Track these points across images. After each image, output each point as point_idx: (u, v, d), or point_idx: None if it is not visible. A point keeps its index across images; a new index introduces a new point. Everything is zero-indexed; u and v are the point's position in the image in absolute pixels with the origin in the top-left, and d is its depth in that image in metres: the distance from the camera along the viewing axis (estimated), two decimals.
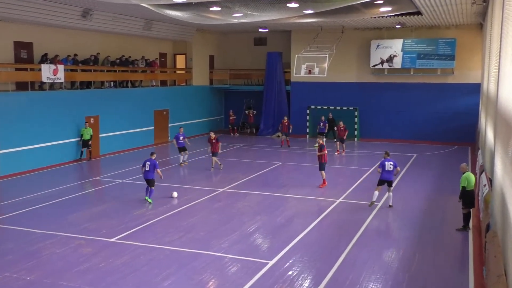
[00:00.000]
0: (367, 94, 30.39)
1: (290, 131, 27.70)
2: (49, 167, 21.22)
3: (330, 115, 28.47)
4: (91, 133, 23.04)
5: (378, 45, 29.39)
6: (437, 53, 28.17)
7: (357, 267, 10.53)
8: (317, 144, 18.86)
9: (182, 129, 22.32)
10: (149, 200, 15.50)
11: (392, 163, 15.01)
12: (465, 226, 12.88)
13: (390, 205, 15.14)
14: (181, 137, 21.48)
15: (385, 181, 15.12)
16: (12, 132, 19.67)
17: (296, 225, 13.44)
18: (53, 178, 19.14)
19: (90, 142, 23.00)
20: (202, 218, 14.14)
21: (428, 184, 18.49)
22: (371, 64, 29.70)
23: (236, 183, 18.46)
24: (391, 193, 15.25)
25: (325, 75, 27.78)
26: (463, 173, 12.80)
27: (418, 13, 23.10)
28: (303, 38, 30.48)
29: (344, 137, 25.08)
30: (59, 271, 10.24)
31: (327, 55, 27.71)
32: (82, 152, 23.01)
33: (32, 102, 20.72)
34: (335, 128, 26.60)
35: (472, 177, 12.73)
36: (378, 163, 16.23)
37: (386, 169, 14.96)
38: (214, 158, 20.59)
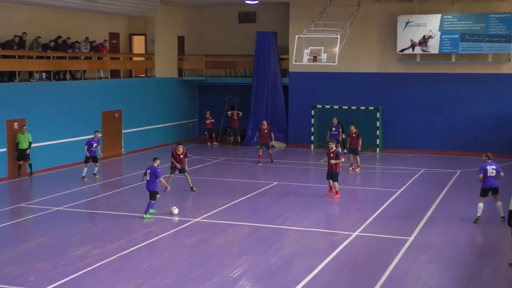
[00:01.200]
0: (392, 89, 30.62)
1: (273, 141, 27.84)
2: None
3: (335, 120, 27.89)
4: (30, 140, 23.39)
5: (407, 22, 29.69)
6: (488, 33, 28.49)
7: None
8: (324, 159, 20.45)
9: (98, 133, 23.75)
10: (146, 216, 17.18)
11: (494, 167, 16.90)
12: None
13: (502, 217, 16.23)
14: (95, 144, 23.07)
15: (489, 189, 16.80)
16: None
17: (298, 268, 13.38)
18: None
19: (28, 152, 23.26)
20: (169, 259, 14.05)
21: (476, 211, 18.51)
22: (398, 49, 29.97)
23: (215, 210, 18.39)
24: (499, 202, 16.54)
25: (335, 63, 27.76)
26: None
27: None
28: (306, 12, 30.57)
29: (358, 148, 25.18)
30: None
31: (339, 36, 27.79)
32: (19, 166, 23.44)
33: None
34: (343, 136, 26.72)
35: None
36: (479, 168, 17.39)
37: (489, 174, 16.73)
38: (187, 175, 20.84)
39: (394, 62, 30.60)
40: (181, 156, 20.72)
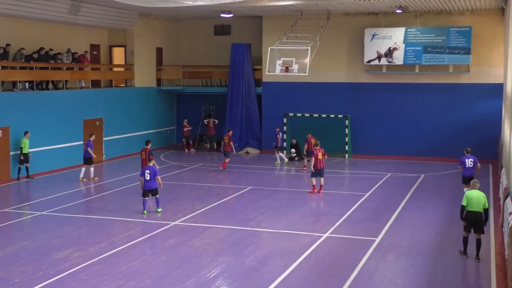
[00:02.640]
0: (360, 98, 30.84)
1: (233, 150, 28.02)
2: None
3: (294, 141, 29.33)
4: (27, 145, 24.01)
5: (374, 35, 29.94)
6: (449, 46, 28.86)
7: None
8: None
9: (94, 136, 24.52)
10: (158, 210, 18.14)
11: (472, 159, 19.07)
12: (465, 252, 14.00)
13: None
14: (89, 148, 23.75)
15: (468, 178, 18.29)
16: None
17: (271, 269, 13.40)
18: None
19: (29, 156, 23.66)
20: (148, 261, 13.99)
21: (439, 212, 18.75)
22: (365, 60, 30.22)
23: (192, 214, 18.36)
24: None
25: (306, 74, 27.93)
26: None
27: None
28: (278, 26, 30.72)
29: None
30: None
31: (309, 48, 27.94)
32: (20, 168, 23.60)
33: None
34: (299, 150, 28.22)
35: (475, 195, 13.74)
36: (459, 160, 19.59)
37: (467, 166, 19.03)
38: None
39: (362, 73, 30.85)
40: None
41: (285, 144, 31.23)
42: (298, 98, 31.53)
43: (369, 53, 30.04)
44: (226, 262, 13.83)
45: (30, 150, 23.81)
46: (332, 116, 30.69)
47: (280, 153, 28.48)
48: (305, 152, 27.01)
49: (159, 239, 15.90)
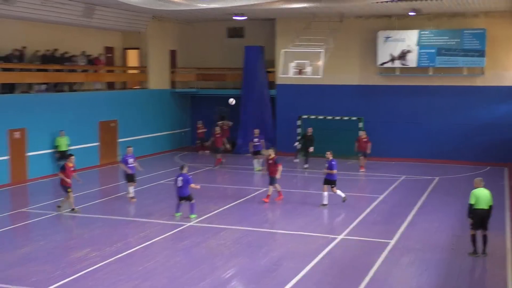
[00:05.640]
0: (373, 101, 30.79)
1: (226, 145, 29.08)
2: None
3: (310, 130, 28.48)
4: (68, 142, 25.16)
5: (387, 38, 29.88)
6: (463, 48, 28.74)
7: None
8: (259, 168, 24.44)
9: (131, 148, 21.14)
10: (192, 216, 17.77)
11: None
12: (475, 252, 14.10)
13: None
14: (131, 160, 20.58)
15: None
16: None
17: (286, 270, 13.44)
18: None
19: (67, 153, 23.54)
20: (163, 262, 14.07)
21: (454, 215, 18.66)
22: (379, 62, 30.16)
23: (207, 215, 18.43)
24: None
25: (320, 76, 28.04)
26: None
27: None
28: (291, 28, 30.80)
29: (368, 151, 26.93)
30: None
31: (323, 51, 28.00)
32: (59, 164, 23.59)
33: None
34: (311, 149, 27.67)
35: (482, 193, 13.99)
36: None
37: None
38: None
39: (375, 75, 30.78)
40: (71, 168, 19.18)
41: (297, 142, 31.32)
42: (311, 100, 31.52)
43: (382, 56, 29.98)
44: (241, 264, 13.88)
45: (44, 152, 24.12)
46: (345, 118, 30.59)
47: (255, 160, 26.98)
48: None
49: (174, 240, 16.00)
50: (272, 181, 20.23)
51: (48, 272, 13.07)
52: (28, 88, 25.36)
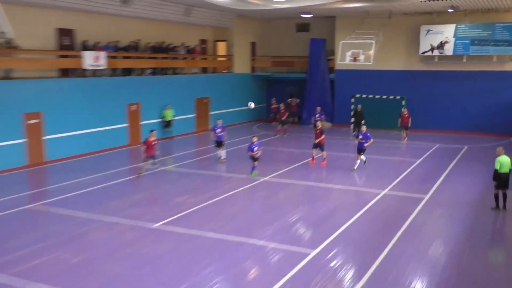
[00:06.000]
0: (415, 83, 29.99)
1: (290, 119, 29.04)
2: (95, 152, 22.04)
3: (359, 107, 27.77)
4: (174, 114, 25.97)
5: (428, 31, 28.89)
6: (494, 39, 27.40)
7: (402, 261, 10.60)
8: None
9: (220, 121, 20.70)
10: (253, 174, 17.68)
11: None
12: (497, 207, 13.96)
13: None
14: (219, 130, 20.25)
15: None
16: (57, 118, 20.50)
17: (339, 216, 13.55)
18: (98, 164, 19.80)
19: (172, 123, 25.32)
20: (244, 207, 14.44)
21: (480, 176, 18.14)
22: (420, 51, 29.24)
23: (278, 172, 18.61)
24: None
25: (371, 63, 27.57)
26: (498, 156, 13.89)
27: None
28: (348, 24, 30.31)
29: (409, 125, 26.27)
30: (103, 254, 10.77)
31: (374, 42, 27.47)
32: (165, 131, 25.48)
33: (75, 88, 21.49)
34: (362, 122, 26.71)
35: (505, 160, 13.69)
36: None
37: None
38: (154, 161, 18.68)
39: (417, 62, 29.89)
40: (153, 143, 17.79)
41: (351, 120, 30.96)
42: (363, 82, 31.01)
43: (424, 46, 29.04)
44: (303, 211, 14.06)
45: (152, 121, 24.93)
46: (391, 97, 30.03)
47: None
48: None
49: (252, 191, 16.24)
50: (316, 146, 20.10)
51: (156, 212, 13.68)
52: (142, 72, 26.10)
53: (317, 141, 19.95)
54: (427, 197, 15.40)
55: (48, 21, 21.61)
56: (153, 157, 17.85)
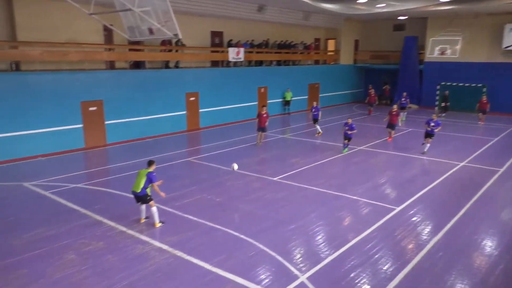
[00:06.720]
0: (496, 73, 26.60)
1: (376, 102, 26.68)
2: (236, 122, 22.64)
3: (446, 92, 25.43)
4: (292, 96, 25.73)
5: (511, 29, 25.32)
6: None
7: (475, 222, 9.62)
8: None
9: (315, 103, 20.16)
10: (344, 151, 15.88)
11: None
12: None
13: None
14: (313, 110, 19.51)
15: None
16: (208, 96, 21.40)
17: (421, 181, 12.63)
18: (236, 131, 20.24)
19: (290, 102, 25.58)
20: (342, 169, 14.05)
21: None
22: (504, 46, 25.74)
23: (372, 143, 17.81)
24: None
25: (456, 56, 24.99)
26: None
27: None
28: (439, 23, 27.56)
29: (487, 110, 23.19)
30: (237, 197, 11.14)
31: (460, 38, 24.78)
32: (285, 108, 25.73)
33: (222, 75, 22.22)
34: (447, 104, 24.67)
35: None
36: None
37: None
38: (263, 134, 17.50)
39: (499, 55, 26.39)
40: (264, 115, 16.86)
41: (436, 103, 28.49)
42: (448, 72, 28.20)
43: (507, 41, 25.46)
44: (390, 175, 13.32)
45: (277, 100, 24.92)
46: (473, 85, 27.03)
47: (401, 112, 21.73)
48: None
49: (350, 157, 15.71)
50: (391, 126, 18.16)
51: (276, 169, 13.79)
52: (269, 63, 26.18)
53: (395, 122, 18.17)
54: (501, 170, 13.76)
55: (205, 25, 22.42)
56: (263, 129, 16.87)
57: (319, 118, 19.75)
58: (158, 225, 9.18)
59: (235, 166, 12.38)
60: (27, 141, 14.78)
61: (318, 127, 19.71)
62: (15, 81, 14.46)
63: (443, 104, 25.96)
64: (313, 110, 19.63)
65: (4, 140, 14.26)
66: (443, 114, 25.14)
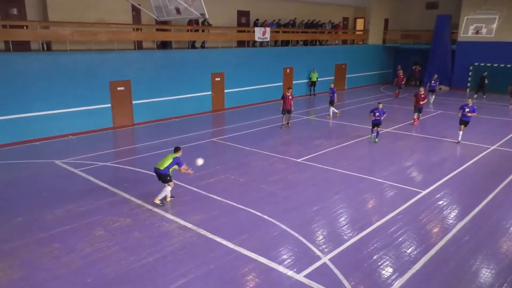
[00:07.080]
0: None
1: (403, 83, 25.42)
2: (261, 103, 22.54)
3: (485, 73, 24.37)
4: (317, 77, 25.30)
5: None
6: None
7: (504, 207, 9.34)
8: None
9: (332, 84, 19.32)
10: (377, 140, 14.64)
11: None
12: None
13: None
14: (330, 92, 18.98)
15: None
16: (233, 76, 21.31)
17: (450, 164, 12.31)
18: (261, 112, 20.20)
19: (316, 83, 25.38)
20: (367, 151, 13.84)
21: None
22: None
23: (398, 126, 17.42)
24: None
25: (492, 35, 23.81)
26: None
27: None
28: (474, 1, 26.27)
29: None
30: (261, 177, 11.19)
31: (497, 17, 23.54)
32: (311, 89, 25.55)
33: (248, 55, 22.06)
34: (486, 83, 23.89)
35: None
36: None
37: None
38: (290, 116, 17.19)
39: None
40: (290, 97, 16.44)
41: (468, 84, 27.44)
42: (483, 52, 27.04)
43: None
44: (417, 158, 13.04)
45: (302, 81, 24.60)
46: (508, 65, 25.84)
47: (333, 108, 19.29)
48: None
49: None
50: (417, 110, 17.40)
51: (300, 150, 13.73)
52: (296, 43, 25.80)
53: (421, 103, 17.19)
54: None
55: (231, 5, 22.20)
56: (289, 111, 16.54)
57: (335, 100, 19.13)
58: (157, 201, 9.25)
59: (199, 161, 9.47)
60: (59, 120, 15.23)
61: (333, 109, 19.17)
62: (47, 61, 14.82)
63: (479, 84, 24.91)
64: (330, 92, 19.12)
65: (37, 119, 14.74)
66: (484, 96, 24.17)
